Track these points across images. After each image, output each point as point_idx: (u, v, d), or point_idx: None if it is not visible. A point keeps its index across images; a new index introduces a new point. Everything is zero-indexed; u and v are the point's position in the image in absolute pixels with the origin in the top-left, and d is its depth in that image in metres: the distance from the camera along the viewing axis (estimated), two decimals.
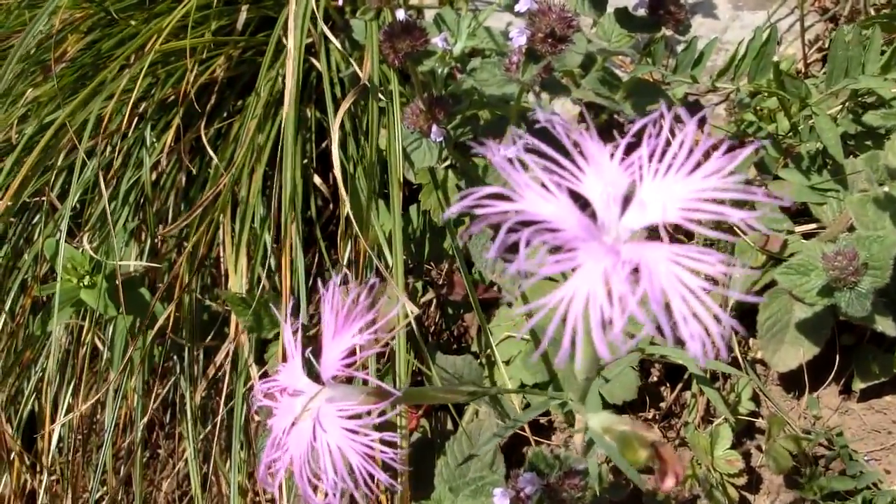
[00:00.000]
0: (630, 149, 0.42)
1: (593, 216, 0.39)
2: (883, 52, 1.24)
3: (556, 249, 0.35)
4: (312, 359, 0.55)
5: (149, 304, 1.21)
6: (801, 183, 1.21)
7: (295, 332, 0.54)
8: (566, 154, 0.39)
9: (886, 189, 1.02)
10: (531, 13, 1.01)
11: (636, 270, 0.34)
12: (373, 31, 1.06)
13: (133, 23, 1.59)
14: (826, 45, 1.51)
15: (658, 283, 0.33)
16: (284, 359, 0.56)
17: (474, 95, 1.29)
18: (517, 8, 1.01)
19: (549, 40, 1.00)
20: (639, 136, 0.42)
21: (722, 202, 0.37)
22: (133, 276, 1.27)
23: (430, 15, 1.51)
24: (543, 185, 0.38)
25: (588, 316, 0.33)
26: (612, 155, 0.41)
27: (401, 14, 1.06)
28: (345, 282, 0.54)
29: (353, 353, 0.50)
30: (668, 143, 0.39)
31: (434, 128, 1.10)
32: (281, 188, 1.12)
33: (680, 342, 0.34)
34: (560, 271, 0.34)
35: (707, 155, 0.38)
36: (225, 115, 1.59)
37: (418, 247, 1.46)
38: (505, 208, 0.36)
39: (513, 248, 0.35)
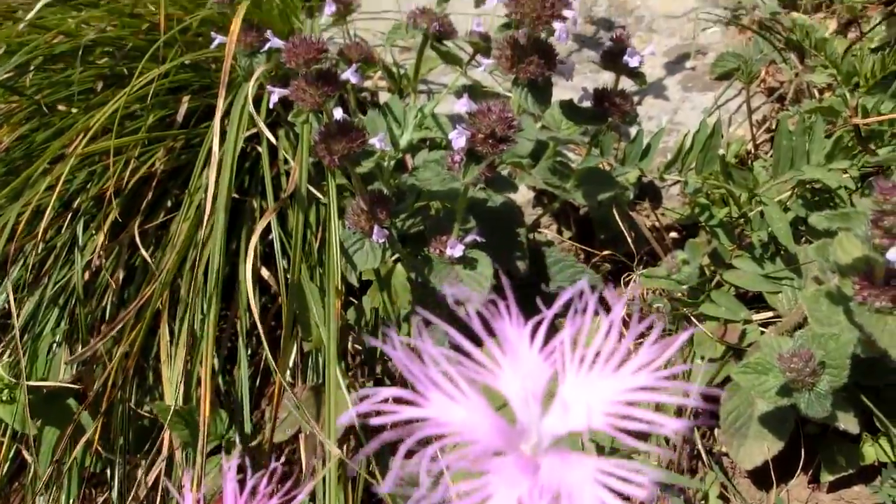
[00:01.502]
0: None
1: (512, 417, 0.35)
2: (829, 137, 1.25)
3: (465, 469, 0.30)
4: None
5: (74, 415, 1.13)
6: (754, 272, 1.19)
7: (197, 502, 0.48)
8: (479, 342, 0.35)
9: (837, 283, 1.00)
10: (471, 114, 0.98)
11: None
12: (305, 133, 1.01)
13: (74, 111, 1.54)
14: (774, 126, 1.52)
15: None
16: None
17: (422, 189, 1.26)
18: (456, 109, 0.98)
19: (490, 141, 0.97)
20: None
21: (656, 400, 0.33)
22: (60, 387, 1.19)
23: (385, 98, 1.48)
24: (454, 383, 0.33)
25: None
26: (532, 337, 0.36)
27: (338, 113, 1.03)
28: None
29: None
30: (595, 320, 0.35)
31: (376, 228, 1.06)
32: (233, 289, 1.05)
33: None
34: None
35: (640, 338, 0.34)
36: (170, 204, 1.54)
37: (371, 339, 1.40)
38: (408, 416, 0.31)
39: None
